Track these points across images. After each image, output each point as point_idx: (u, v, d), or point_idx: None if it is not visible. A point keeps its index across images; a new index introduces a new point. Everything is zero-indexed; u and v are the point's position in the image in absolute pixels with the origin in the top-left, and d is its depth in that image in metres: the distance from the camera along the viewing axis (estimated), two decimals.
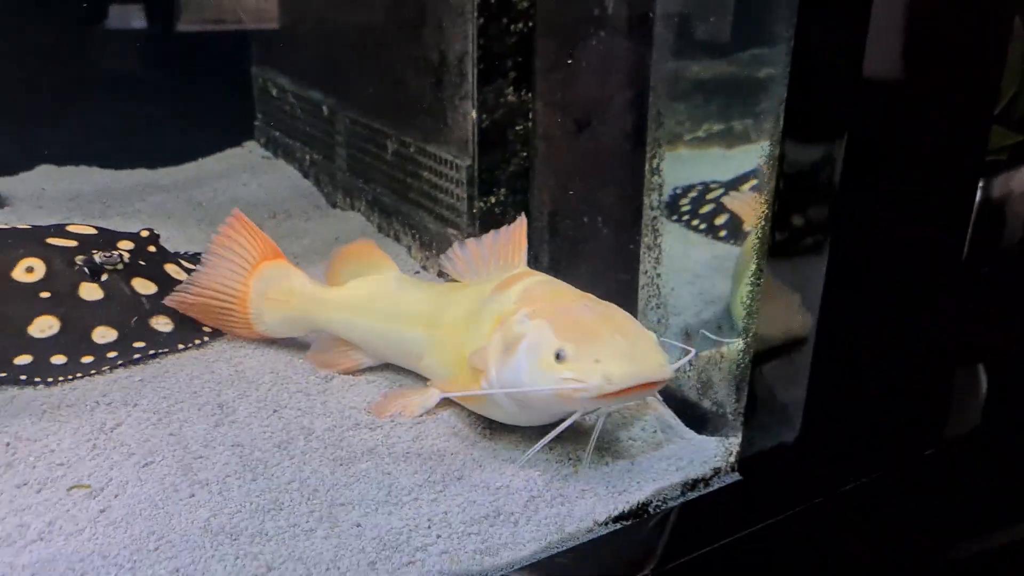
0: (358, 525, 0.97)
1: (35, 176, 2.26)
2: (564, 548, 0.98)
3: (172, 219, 1.99)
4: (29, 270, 1.34)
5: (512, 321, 1.07)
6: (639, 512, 1.04)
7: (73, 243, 1.40)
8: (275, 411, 1.21)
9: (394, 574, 0.91)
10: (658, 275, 1.25)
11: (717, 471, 1.13)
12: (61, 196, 2.14)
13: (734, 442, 1.14)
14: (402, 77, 1.73)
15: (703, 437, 1.18)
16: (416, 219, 1.73)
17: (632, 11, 1.28)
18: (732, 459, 1.13)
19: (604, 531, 1.01)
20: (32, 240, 1.39)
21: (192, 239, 1.80)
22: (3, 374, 1.22)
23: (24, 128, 2.27)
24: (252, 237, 1.33)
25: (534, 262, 1.55)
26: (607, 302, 1.11)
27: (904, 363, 1.24)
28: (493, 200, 1.55)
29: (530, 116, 1.53)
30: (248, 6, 2.43)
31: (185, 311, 1.35)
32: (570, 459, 1.11)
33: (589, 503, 1.03)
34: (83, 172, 2.32)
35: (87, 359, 1.26)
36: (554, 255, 1.52)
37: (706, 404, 1.19)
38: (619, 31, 1.31)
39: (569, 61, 1.41)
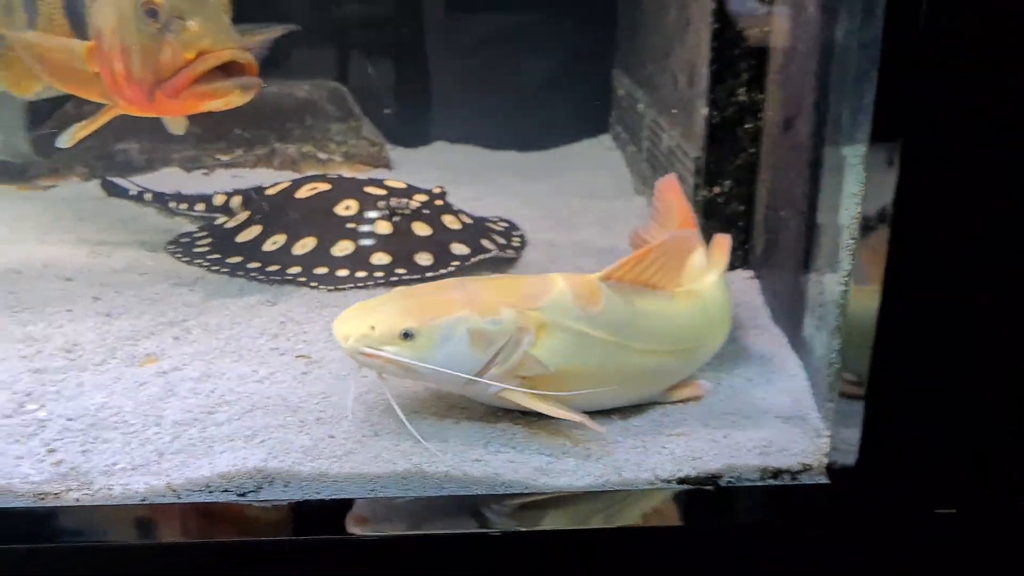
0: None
1: (430, 149, 2.83)
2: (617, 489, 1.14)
3: (508, 189, 2.39)
4: (347, 208, 1.80)
5: None
6: (706, 481, 1.16)
7: (383, 192, 1.84)
8: None
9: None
10: None
11: (807, 467, 1.18)
12: (445, 165, 2.67)
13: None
14: (675, 77, 1.91)
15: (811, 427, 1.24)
16: None
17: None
18: (824, 459, 1.18)
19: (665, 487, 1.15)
20: (355, 187, 1.86)
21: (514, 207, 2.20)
22: (304, 277, 1.68)
23: (427, 111, 2.85)
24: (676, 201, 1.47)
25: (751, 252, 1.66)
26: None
27: None
28: (718, 190, 1.68)
29: (759, 115, 1.63)
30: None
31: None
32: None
33: (662, 459, 1.18)
34: (468, 150, 2.84)
35: (361, 274, 1.68)
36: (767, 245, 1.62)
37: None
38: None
39: (787, 66, 1.50)
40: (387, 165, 2.55)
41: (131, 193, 2.14)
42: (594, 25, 2.85)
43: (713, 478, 1.15)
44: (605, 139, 2.87)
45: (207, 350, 1.45)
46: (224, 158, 2.40)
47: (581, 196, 2.31)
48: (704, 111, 1.65)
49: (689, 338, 1.30)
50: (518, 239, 1.93)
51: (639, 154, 2.34)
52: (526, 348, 1.14)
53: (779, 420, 1.27)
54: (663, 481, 1.14)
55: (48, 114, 2.33)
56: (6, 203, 2.18)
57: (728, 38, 1.60)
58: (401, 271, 1.69)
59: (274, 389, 1.33)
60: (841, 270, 1.21)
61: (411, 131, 2.82)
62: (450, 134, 2.86)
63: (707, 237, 1.57)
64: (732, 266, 1.69)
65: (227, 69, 1.38)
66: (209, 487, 1.11)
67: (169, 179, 2.32)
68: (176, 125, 1.80)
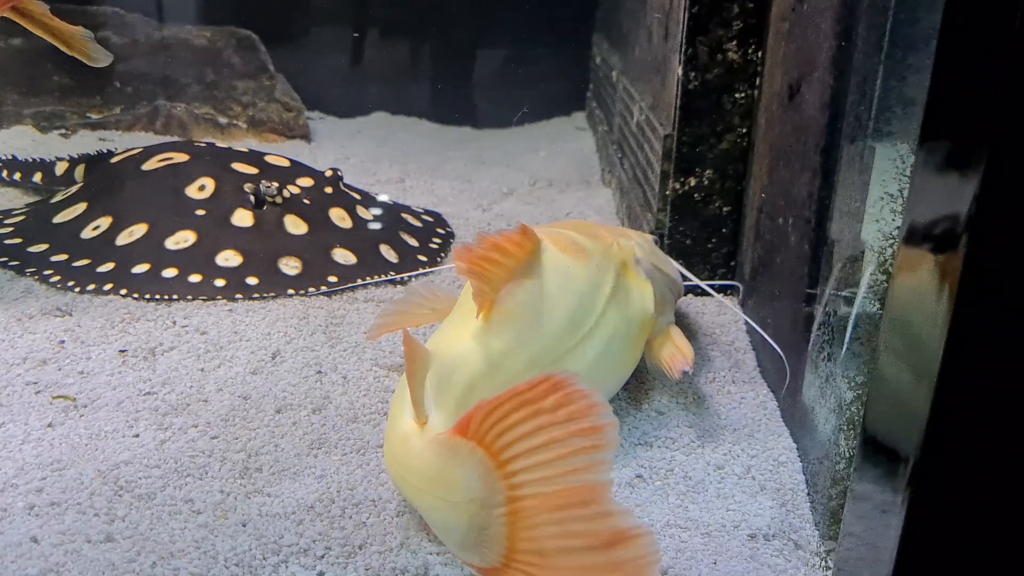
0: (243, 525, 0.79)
1: (367, 120, 2.35)
2: None
3: (450, 174, 1.92)
4: (201, 188, 1.34)
5: None
6: None
7: (254, 170, 1.38)
8: (319, 373, 1.06)
9: None
10: None
11: None
12: (380, 140, 2.20)
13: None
14: (649, 31, 1.44)
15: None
16: (632, 199, 1.45)
17: None
18: None
19: None
20: (220, 161, 1.39)
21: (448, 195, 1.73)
22: (112, 282, 1.22)
23: (369, 81, 2.38)
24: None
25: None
26: None
27: None
28: (693, 183, 1.21)
29: (756, 81, 1.17)
30: None
31: None
32: None
33: None
34: (412, 123, 2.37)
35: (194, 278, 1.22)
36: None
37: None
38: None
39: (797, 2, 1.04)
40: (304, 135, 2.08)
41: None
42: None
43: None
44: (578, 117, 2.40)
45: None
46: (95, 116, 1.93)
47: (535, 185, 1.85)
48: (678, 71, 1.18)
49: None
50: (439, 240, 1.45)
51: (609, 134, 1.87)
52: None
53: (753, 541, 0.82)
54: None
55: None
56: None
57: None
58: (252, 280, 1.23)
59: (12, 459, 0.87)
60: (863, 307, 0.75)
61: (344, 97, 2.35)
62: (393, 104, 2.39)
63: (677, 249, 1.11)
64: (714, 287, 1.23)
65: None
66: None
67: (16, 140, 1.85)
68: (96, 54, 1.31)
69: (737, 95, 1.18)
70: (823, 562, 0.78)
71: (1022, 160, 0.56)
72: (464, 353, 0.83)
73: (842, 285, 0.86)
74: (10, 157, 1.65)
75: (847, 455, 0.72)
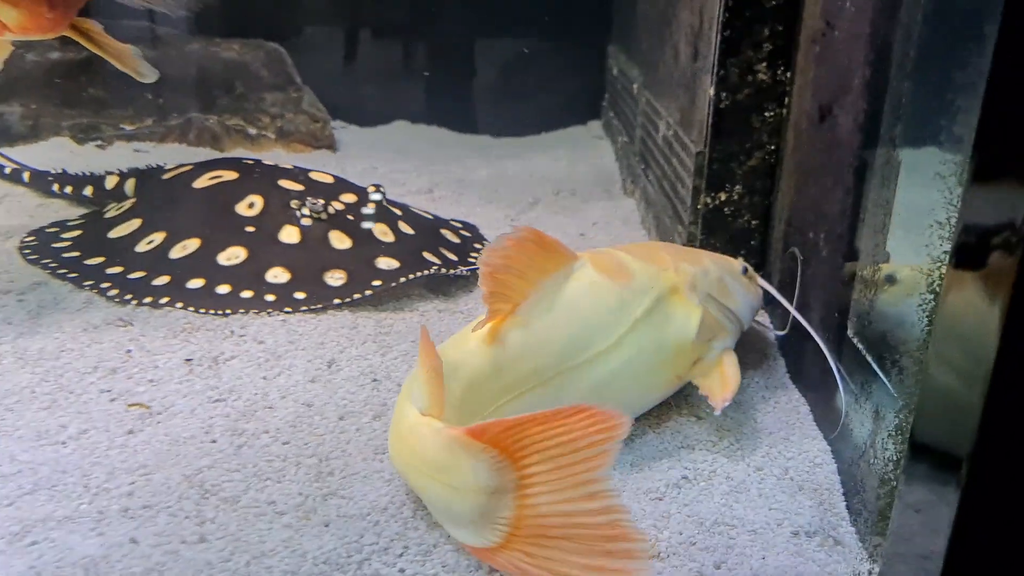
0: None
1: (388, 129, 2.41)
2: None
3: (476, 184, 1.98)
4: (251, 205, 1.40)
5: None
6: None
7: (300, 187, 1.43)
8: (374, 380, 1.12)
9: None
10: None
11: None
12: (402, 149, 2.25)
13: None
14: (676, 48, 1.50)
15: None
16: (660, 213, 1.51)
17: None
18: None
19: None
20: (267, 179, 1.44)
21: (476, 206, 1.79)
22: (168, 296, 1.27)
23: (389, 90, 2.43)
24: None
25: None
26: None
27: None
28: (724, 198, 1.27)
29: (784, 101, 1.23)
30: None
31: None
32: None
33: None
34: (432, 132, 2.42)
35: (246, 294, 1.27)
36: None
37: None
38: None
39: (827, 27, 1.09)
40: (330, 146, 2.14)
41: (5, 172, 1.74)
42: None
43: None
44: (595, 126, 2.46)
45: (13, 389, 1.06)
46: (128, 127, 1.98)
47: (559, 195, 1.90)
48: (710, 92, 1.24)
49: None
50: (479, 252, 1.50)
51: (631, 145, 1.93)
52: None
53: (797, 538, 0.88)
54: None
55: None
56: None
57: None
58: (300, 295, 1.28)
59: (78, 456, 0.94)
60: (905, 320, 0.81)
61: (365, 107, 2.40)
62: (414, 113, 2.45)
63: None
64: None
65: None
66: None
67: (56, 152, 1.91)
68: (144, 70, 1.37)
69: (766, 114, 1.23)
70: (870, 557, 0.84)
71: None
72: (468, 354, 0.90)
73: (876, 299, 0.92)
74: (60, 171, 1.70)
75: (895, 458, 0.78)
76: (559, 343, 0.93)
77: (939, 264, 0.72)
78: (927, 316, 0.76)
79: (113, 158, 1.88)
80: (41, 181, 1.69)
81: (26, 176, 1.70)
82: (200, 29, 2.10)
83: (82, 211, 1.62)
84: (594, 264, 0.98)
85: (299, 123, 2.10)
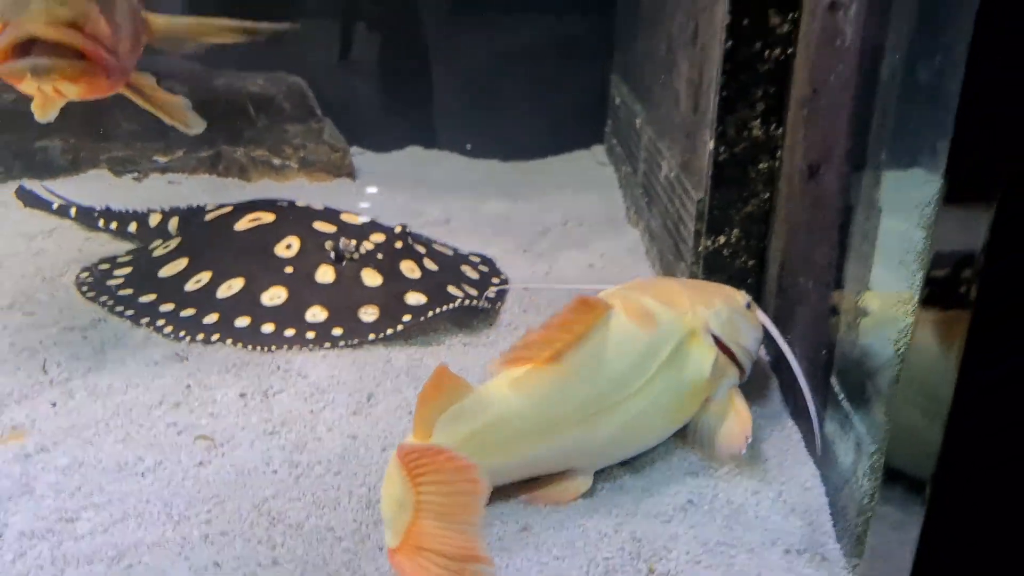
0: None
1: (402, 155, 2.54)
2: None
3: (489, 213, 2.11)
4: (288, 247, 1.52)
5: None
6: None
7: (333, 228, 1.56)
8: (410, 413, 1.24)
9: None
10: None
11: None
12: (417, 177, 2.38)
13: None
14: (677, 97, 1.63)
15: None
16: (664, 249, 1.63)
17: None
18: None
19: None
20: (302, 221, 1.57)
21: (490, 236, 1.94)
22: (218, 333, 1.39)
23: (403, 113, 2.56)
24: None
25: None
26: None
27: None
28: (723, 240, 1.40)
29: (776, 154, 1.36)
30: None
31: None
32: None
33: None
34: (443, 157, 2.55)
35: (289, 332, 1.39)
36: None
37: None
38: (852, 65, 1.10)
39: (814, 93, 1.22)
40: (350, 174, 2.27)
41: (53, 207, 1.86)
42: (591, 23, 2.56)
43: None
44: (598, 151, 2.58)
45: (87, 423, 1.18)
46: (161, 159, 2.11)
47: (567, 224, 2.03)
48: (710, 145, 1.37)
49: None
50: (496, 287, 1.62)
51: (634, 176, 2.06)
52: None
53: (788, 555, 1.01)
54: None
55: None
56: None
57: (742, 58, 1.32)
58: (337, 331, 1.40)
59: (158, 487, 1.06)
60: (873, 361, 0.94)
61: (379, 133, 2.53)
62: (426, 139, 2.58)
63: None
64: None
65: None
66: None
67: (95, 183, 2.03)
68: (193, 123, 1.50)
69: (760, 165, 1.36)
70: (852, 569, 0.97)
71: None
72: (495, 392, 1.03)
73: (855, 345, 1.05)
74: (105, 207, 1.83)
75: (871, 493, 0.91)
76: (595, 388, 1.06)
77: (906, 315, 0.85)
78: (898, 360, 0.88)
79: (149, 190, 2.00)
80: (87, 216, 1.81)
81: (72, 211, 1.83)
82: (224, 63, 2.22)
83: (126, 245, 1.75)
84: (625, 311, 1.11)
85: (320, 153, 2.22)
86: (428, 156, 2.54)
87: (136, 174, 2.07)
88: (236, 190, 2.11)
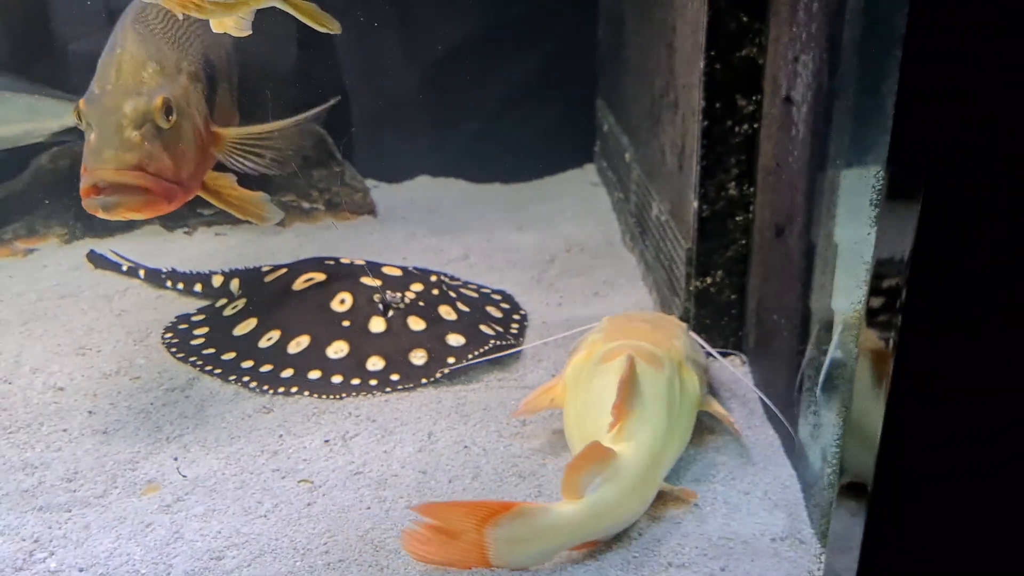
0: None
1: (413, 185, 2.81)
2: None
3: (501, 245, 2.38)
4: (342, 302, 1.79)
5: None
6: None
7: (378, 282, 1.83)
8: (465, 447, 1.53)
9: None
10: None
11: None
12: (431, 207, 2.65)
13: None
14: (664, 153, 1.91)
15: None
16: (659, 279, 1.92)
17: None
18: None
19: None
20: (350, 278, 1.84)
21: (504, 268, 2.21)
22: (296, 385, 1.67)
23: (411, 144, 2.82)
24: None
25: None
26: None
27: None
28: (709, 281, 1.69)
29: (749, 208, 1.64)
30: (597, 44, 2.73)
31: None
32: None
33: None
34: (451, 184, 2.82)
35: (355, 381, 1.67)
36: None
37: None
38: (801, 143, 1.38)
39: (776, 166, 1.51)
40: (371, 211, 2.54)
41: (123, 269, 2.12)
42: (575, 46, 2.81)
43: None
44: (590, 169, 2.86)
45: (207, 474, 1.46)
46: (206, 212, 2.37)
47: (570, 251, 2.31)
48: (694, 204, 1.65)
49: None
50: (517, 322, 1.92)
51: (626, 204, 2.34)
52: None
53: (774, 543, 1.30)
54: None
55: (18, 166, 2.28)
56: None
57: (717, 134, 1.60)
58: (395, 377, 1.68)
59: (280, 526, 1.34)
60: (834, 375, 1.22)
61: (389, 164, 2.79)
62: (433, 167, 2.84)
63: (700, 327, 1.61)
64: (724, 352, 1.71)
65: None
66: None
67: (150, 240, 2.30)
68: (270, 215, 1.73)
69: (737, 218, 1.65)
70: (818, 557, 1.27)
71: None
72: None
73: (817, 367, 1.34)
74: (171, 269, 2.09)
75: (831, 500, 1.21)
76: (662, 426, 1.34)
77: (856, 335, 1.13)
78: (850, 373, 1.17)
79: (200, 243, 2.27)
80: (155, 277, 2.08)
81: (141, 273, 2.09)
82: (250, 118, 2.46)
83: (193, 302, 2.02)
84: (643, 359, 1.39)
85: (343, 195, 2.49)
86: (437, 184, 2.81)
87: (186, 228, 2.34)
88: (275, 235, 2.38)
